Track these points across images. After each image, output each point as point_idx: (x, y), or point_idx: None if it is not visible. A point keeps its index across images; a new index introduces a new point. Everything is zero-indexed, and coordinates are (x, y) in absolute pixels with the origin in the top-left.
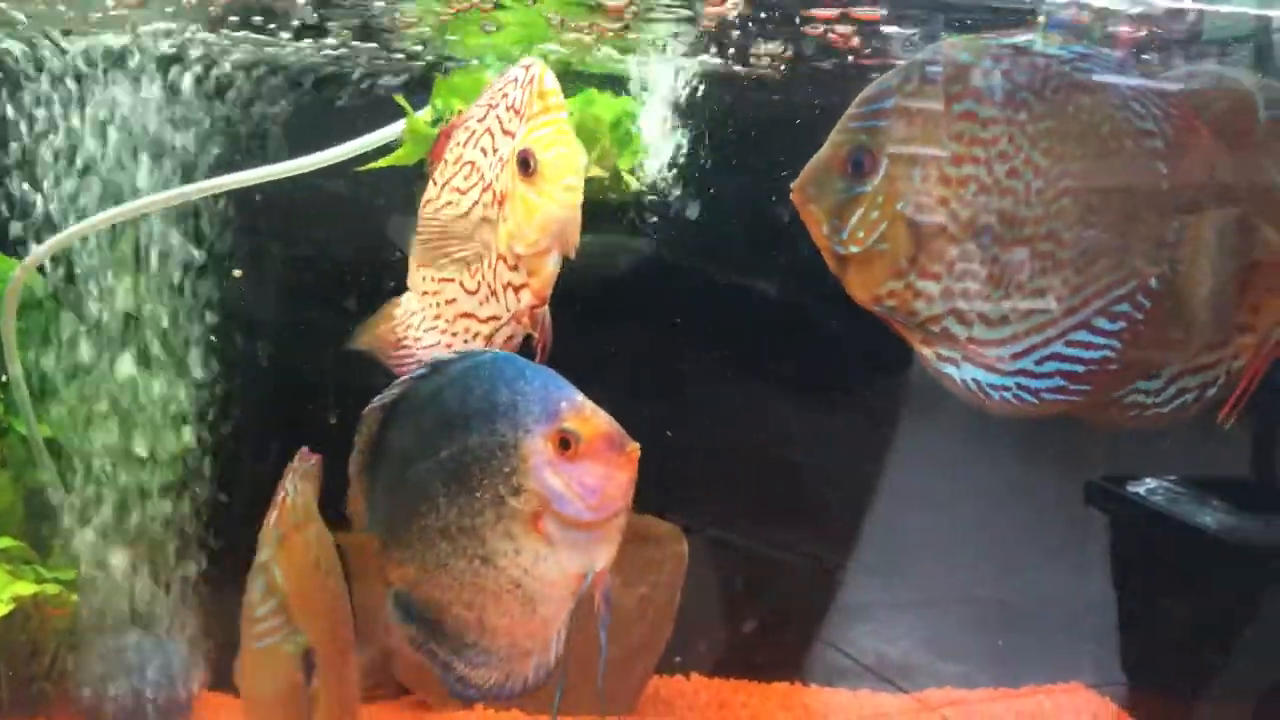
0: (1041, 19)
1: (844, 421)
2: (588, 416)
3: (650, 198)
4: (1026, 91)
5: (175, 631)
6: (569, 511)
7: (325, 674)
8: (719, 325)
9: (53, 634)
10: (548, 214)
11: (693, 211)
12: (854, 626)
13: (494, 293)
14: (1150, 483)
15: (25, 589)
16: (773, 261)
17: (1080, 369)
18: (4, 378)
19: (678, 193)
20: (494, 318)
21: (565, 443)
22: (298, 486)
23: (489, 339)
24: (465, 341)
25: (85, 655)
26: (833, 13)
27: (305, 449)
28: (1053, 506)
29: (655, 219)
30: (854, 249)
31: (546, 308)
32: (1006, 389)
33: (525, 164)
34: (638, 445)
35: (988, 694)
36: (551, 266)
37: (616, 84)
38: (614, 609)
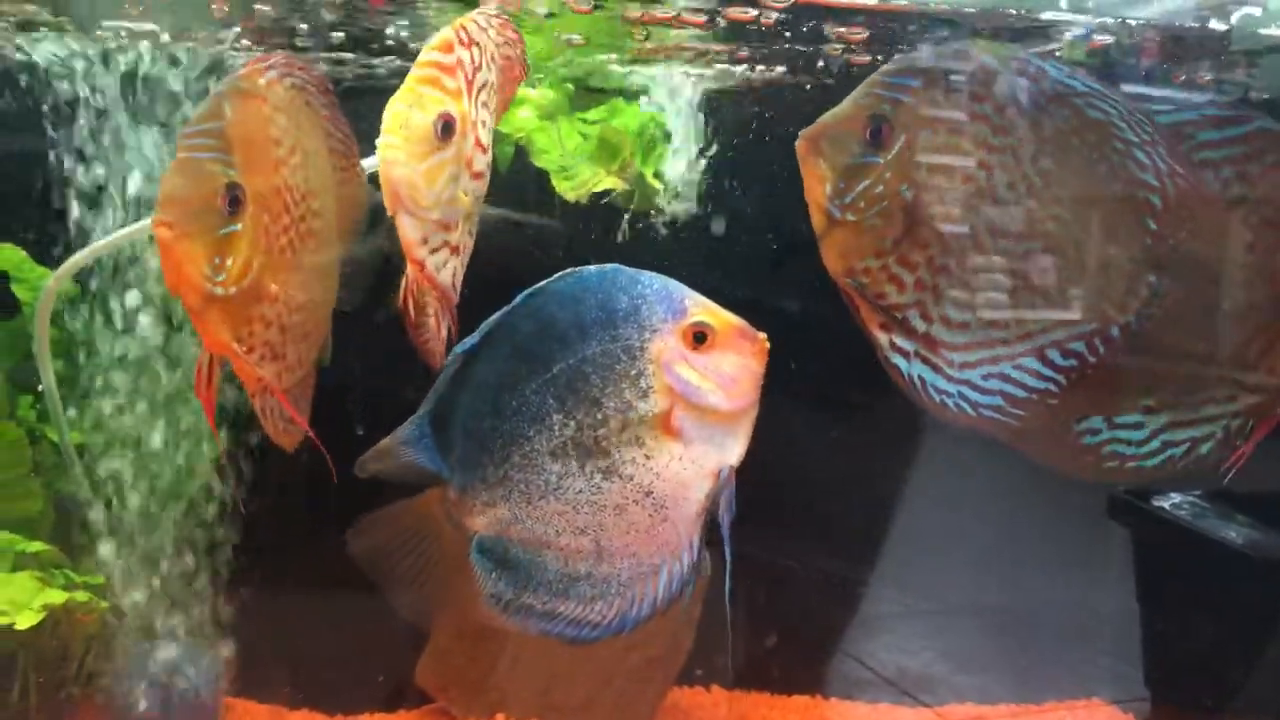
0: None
1: (864, 432)
2: (715, 310)
3: (674, 204)
4: (1042, 113)
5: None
6: (707, 403)
7: (252, 224)
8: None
9: (82, 639)
10: (379, 174)
11: (716, 223)
12: (874, 639)
13: None
14: (1175, 496)
15: (56, 597)
16: (794, 273)
17: (1021, 394)
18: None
19: (698, 198)
20: None
21: (699, 336)
22: (279, 74)
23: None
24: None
25: (114, 660)
26: (861, 33)
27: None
28: (1075, 519)
29: (676, 224)
30: (850, 217)
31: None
32: (948, 394)
33: None
34: (765, 335)
35: (1008, 710)
36: (406, 229)
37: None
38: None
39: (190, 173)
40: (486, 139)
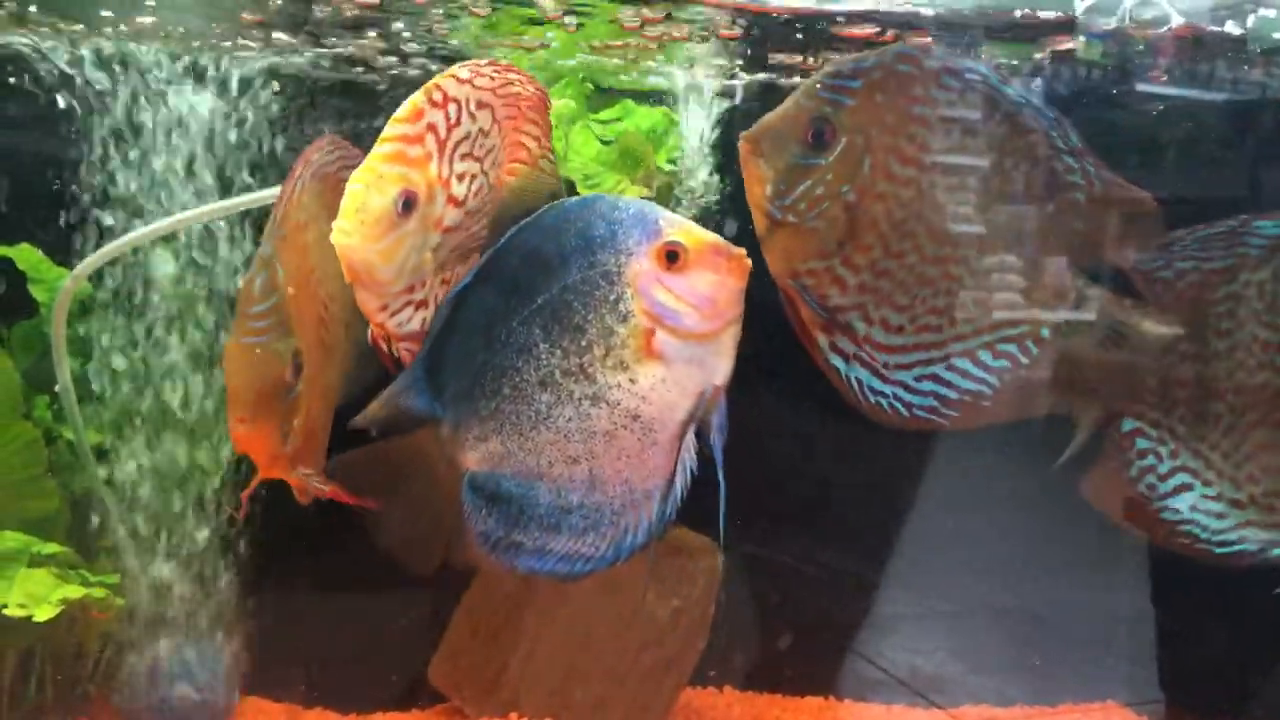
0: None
1: (876, 433)
2: (689, 228)
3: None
4: (976, 116)
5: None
6: (684, 324)
7: (309, 381)
8: (749, 337)
9: (98, 637)
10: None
11: (730, 225)
12: (888, 639)
13: None
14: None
15: (74, 592)
16: None
17: (953, 395)
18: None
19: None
20: None
21: (672, 255)
22: (306, 183)
23: None
24: None
25: (130, 659)
26: (869, 30)
27: (326, 138)
28: (1090, 521)
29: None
30: (791, 218)
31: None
32: (884, 395)
33: None
34: (744, 251)
35: (1022, 712)
36: (364, 300)
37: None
38: (646, 622)
39: (259, 364)
40: (464, 190)
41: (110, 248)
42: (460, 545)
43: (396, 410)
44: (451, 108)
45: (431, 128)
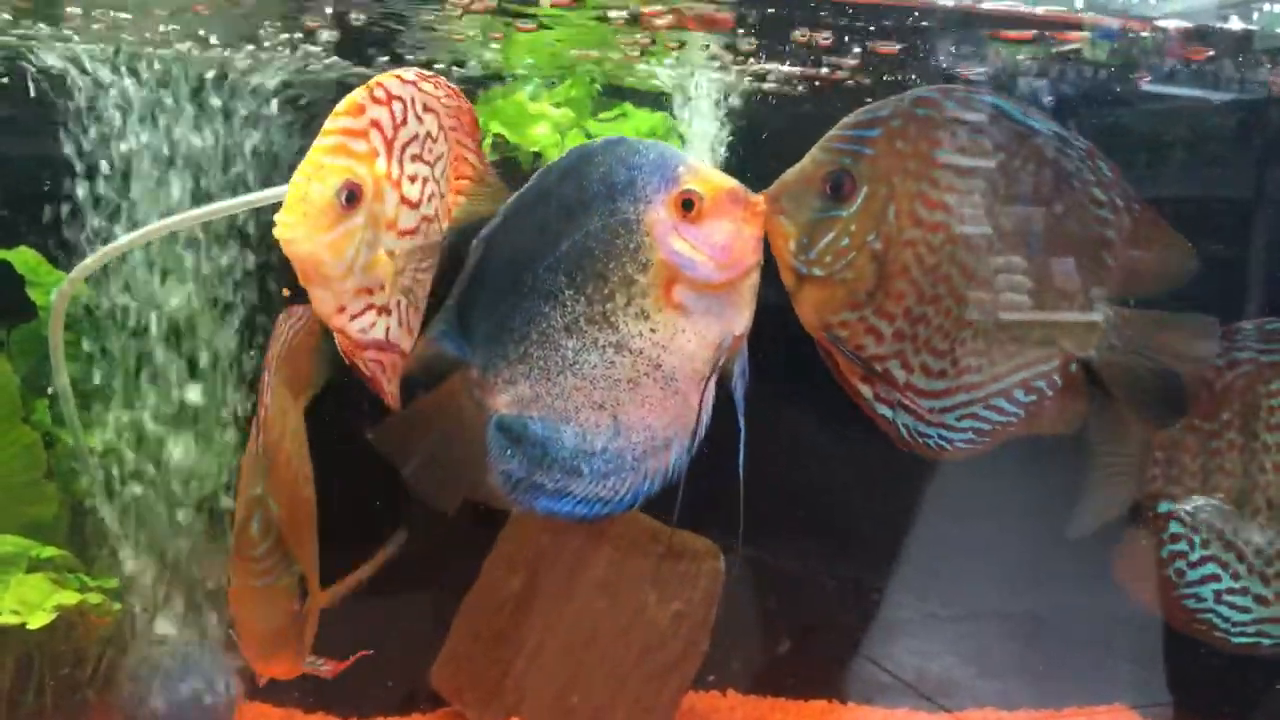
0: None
1: (882, 438)
2: (706, 176)
3: None
4: (1004, 154)
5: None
6: (701, 274)
7: (312, 592)
8: (758, 342)
9: (96, 642)
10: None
11: None
12: (893, 643)
13: None
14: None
15: (68, 599)
16: None
17: (988, 428)
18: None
19: None
20: None
21: (688, 204)
22: (274, 387)
23: None
24: None
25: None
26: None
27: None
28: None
29: None
30: (818, 271)
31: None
32: (929, 436)
33: None
34: (761, 199)
35: (1028, 715)
36: (319, 301)
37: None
38: (648, 626)
39: (268, 605)
40: (418, 192)
41: (107, 250)
42: (482, 484)
43: (429, 358)
44: (396, 106)
45: (376, 124)
